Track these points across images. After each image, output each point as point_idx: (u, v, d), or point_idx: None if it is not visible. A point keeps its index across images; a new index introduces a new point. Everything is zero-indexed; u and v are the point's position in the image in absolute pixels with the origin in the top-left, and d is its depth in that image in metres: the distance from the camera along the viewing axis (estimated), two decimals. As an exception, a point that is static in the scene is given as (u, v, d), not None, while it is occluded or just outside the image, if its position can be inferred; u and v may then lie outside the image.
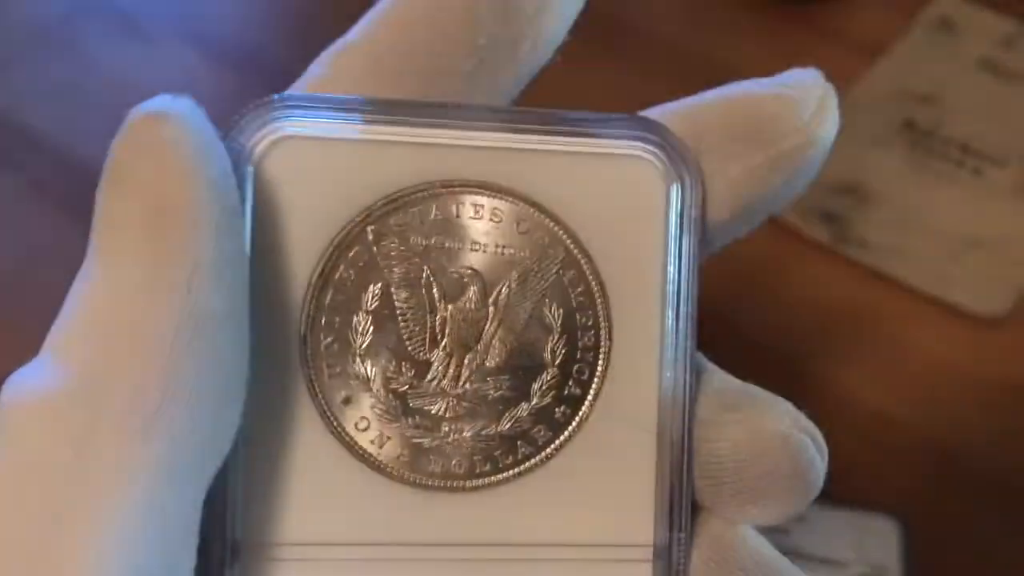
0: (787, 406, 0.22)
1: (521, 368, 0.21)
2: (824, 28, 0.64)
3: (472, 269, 0.21)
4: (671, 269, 0.22)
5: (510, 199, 0.21)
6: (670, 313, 0.22)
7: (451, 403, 0.21)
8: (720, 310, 0.53)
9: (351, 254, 0.21)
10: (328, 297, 0.21)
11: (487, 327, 0.21)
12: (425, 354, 0.21)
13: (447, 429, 0.21)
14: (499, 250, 0.21)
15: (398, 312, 0.21)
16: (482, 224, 0.21)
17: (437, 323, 0.21)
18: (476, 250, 0.21)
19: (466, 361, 0.21)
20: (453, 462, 0.21)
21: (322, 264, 0.21)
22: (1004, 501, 0.49)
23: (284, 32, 0.66)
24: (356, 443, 0.21)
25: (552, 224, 0.21)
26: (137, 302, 0.18)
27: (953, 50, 0.63)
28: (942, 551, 0.47)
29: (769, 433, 0.21)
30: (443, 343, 0.21)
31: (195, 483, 0.18)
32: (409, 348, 0.21)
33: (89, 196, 0.19)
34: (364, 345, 0.21)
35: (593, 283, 0.22)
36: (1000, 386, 0.52)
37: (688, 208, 0.21)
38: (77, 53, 0.63)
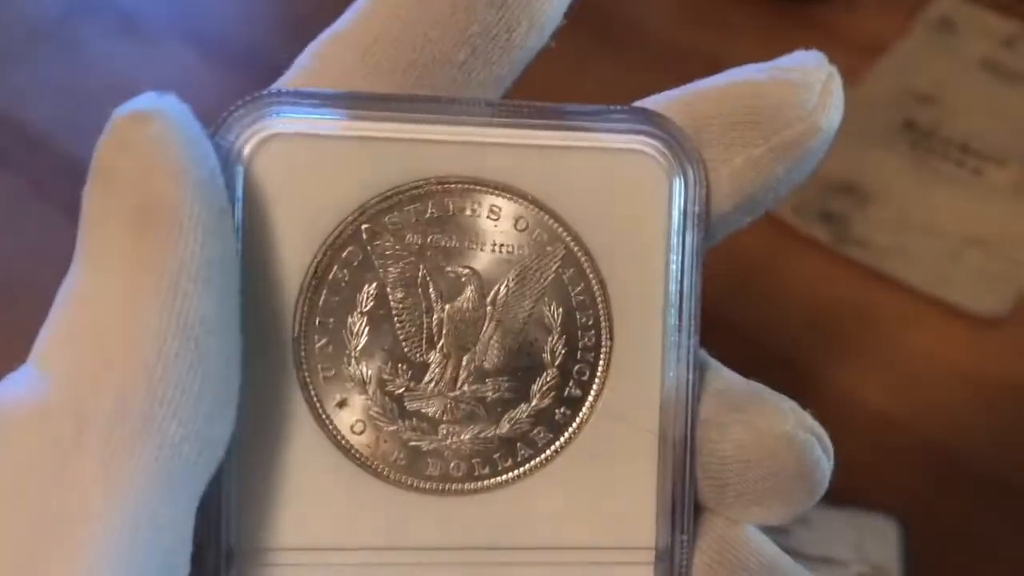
0: (792, 405, 0.21)
1: (520, 369, 0.21)
2: (824, 28, 0.64)
3: (469, 268, 0.21)
4: (673, 266, 0.21)
5: (508, 196, 0.21)
6: (672, 311, 0.21)
7: (449, 405, 0.21)
8: (719, 309, 0.52)
9: (345, 254, 0.20)
10: (322, 298, 0.20)
11: (485, 327, 0.21)
12: (422, 355, 0.21)
13: (445, 432, 0.21)
14: (497, 248, 0.21)
15: (394, 313, 0.21)
16: (479, 222, 0.21)
17: (434, 324, 0.21)
18: (473, 248, 0.21)
19: (464, 362, 0.21)
20: (451, 465, 0.21)
21: (315, 264, 0.20)
22: (1004, 501, 0.49)
23: (283, 31, 0.66)
24: (352, 446, 0.21)
25: (551, 221, 0.21)
26: (122, 310, 0.17)
27: (953, 50, 0.63)
28: (942, 551, 0.47)
29: (774, 433, 0.21)
30: (440, 344, 0.21)
31: (188, 491, 0.18)
32: (405, 349, 0.21)
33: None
34: (359, 347, 0.20)
35: (593, 281, 0.21)
36: (1000, 386, 0.52)
37: (691, 203, 0.21)
38: (77, 53, 0.63)
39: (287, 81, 0.21)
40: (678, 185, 0.21)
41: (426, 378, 0.21)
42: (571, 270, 0.21)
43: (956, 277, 0.55)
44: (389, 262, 0.21)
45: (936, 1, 0.65)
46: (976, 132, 0.60)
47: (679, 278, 0.21)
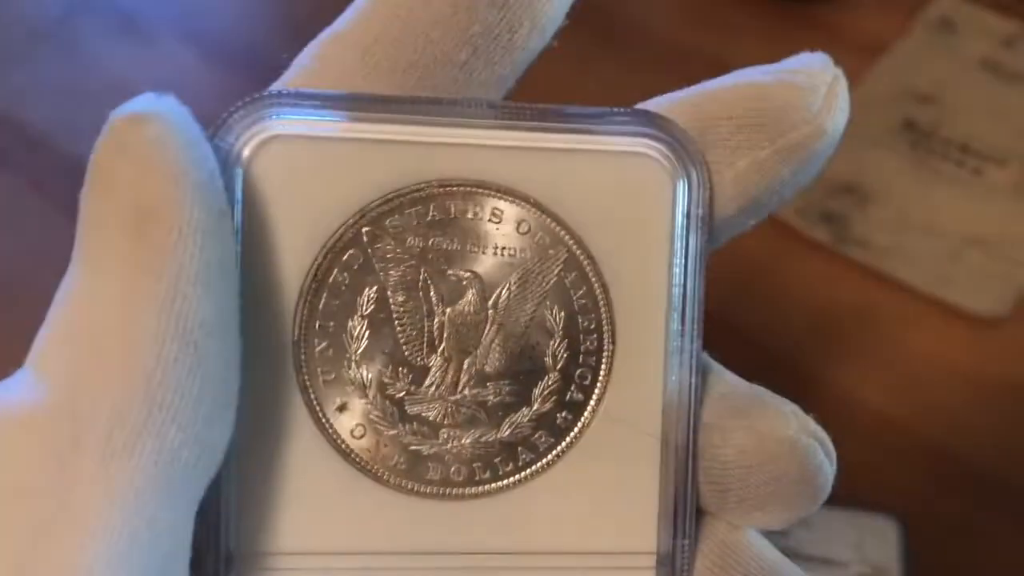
0: (795, 409, 0.21)
1: (522, 373, 0.21)
2: (824, 28, 0.64)
3: (471, 271, 0.21)
4: (676, 270, 0.21)
5: (510, 199, 0.21)
6: (675, 315, 0.21)
7: (450, 409, 0.21)
8: (720, 310, 0.52)
9: (345, 257, 0.20)
10: (322, 301, 0.20)
11: (486, 331, 0.21)
12: (423, 359, 0.21)
13: (446, 436, 0.21)
14: (499, 251, 0.21)
15: (394, 316, 0.20)
16: (481, 225, 0.21)
17: (435, 327, 0.21)
18: (475, 252, 0.21)
19: (465, 366, 0.21)
20: (452, 469, 0.21)
21: (315, 267, 0.20)
22: (1004, 501, 0.49)
23: (283, 32, 0.65)
24: (352, 451, 0.20)
25: (553, 224, 0.21)
26: (120, 314, 0.17)
27: (953, 50, 0.63)
28: (942, 551, 0.47)
29: (776, 438, 0.20)
30: (441, 348, 0.21)
31: (186, 496, 0.18)
32: (406, 353, 0.20)
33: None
34: (360, 350, 0.20)
35: (596, 285, 0.21)
36: (1000, 386, 0.52)
37: (694, 206, 0.21)
38: (76, 53, 0.63)
39: (287, 81, 0.21)
40: (681, 188, 0.21)
41: (427, 382, 0.21)
42: (573, 274, 0.21)
43: (956, 277, 0.55)
44: (390, 265, 0.20)
45: (936, 1, 0.65)
46: (976, 132, 0.60)
47: (682, 282, 0.21)
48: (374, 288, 0.20)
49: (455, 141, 0.20)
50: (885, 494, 0.48)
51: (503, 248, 0.21)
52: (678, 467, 0.21)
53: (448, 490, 0.21)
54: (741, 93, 0.21)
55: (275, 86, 0.20)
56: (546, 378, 0.21)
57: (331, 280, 0.20)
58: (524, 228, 0.21)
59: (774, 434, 0.20)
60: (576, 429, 0.21)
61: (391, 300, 0.20)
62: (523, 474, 0.21)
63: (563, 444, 0.21)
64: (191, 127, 0.18)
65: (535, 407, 0.21)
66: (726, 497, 0.21)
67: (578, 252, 0.21)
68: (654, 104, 0.21)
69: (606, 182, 0.21)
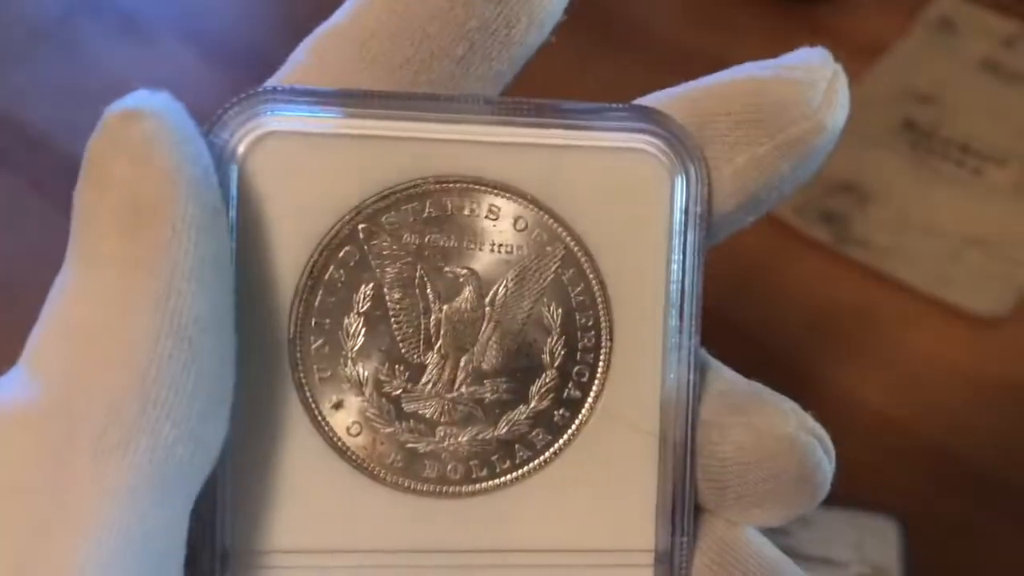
0: (793, 406, 0.21)
1: (519, 370, 0.21)
2: (824, 28, 0.64)
3: (467, 268, 0.21)
4: (675, 267, 0.21)
5: (507, 195, 0.21)
6: (673, 312, 0.21)
7: (446, 407, 0.21)
8: (720, 309, 0.52)
9: (341, 254, 0.20)
10: (318, 298, 0.20)
11: (483, 328, 0.21)
12: (419, 357, 0.21)
13: (442, 433, 0.21)
14: (496, 248, 0.21)
15: (391, 313, 0.20)
16: (478, 222, 0.21)
17: (431, 324, 0.21)
18: (471, 248, 0.21)
19: (462, 363, 0.21)
20: (449, 467, 0.21)
21: (311, 264, 0.20)
22: (1004, 501, 0.49)
23: (283, 31, 0.65)
24: (348, 448, 0.20)
25: (551, 221, 0.21)
26: (114, 311, 0.17)
27: (953, 50, 0.63)
28: (942, 551, 0.47)
29: (775, 435, 0.20)
30: (438, 345, 0.21)
31: (181, 494, 0.18)
32: (402, 350, 0.20)
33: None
34: (356, 348, 0.20)
35: (593, 282, 0.21)
36: (1000, 386, 0.52)
37: (693, 202, 0.21)
38: (76, 53, 0.63)
39: (282, 77, 0.21)
40: (680, 184, 0.21)
41: (423, 379, 0.21)
42: (571, 270, 0.21)
43: (956, 277, 0.55)
44: (386, 262, 0.20)
45: (936, 1, 0.65)
46: (976, 132, 0.60)
47: (680, 278, 0.21)
48: (370, 285, 0.20)
49: (451, 137, 0.20)
50: (885, 494, 0.48)
51: (500, 245, 0.21)
52: (676, 464, 0.21)
53: (445, 488, 0.21)
54: (739, 88, 0.20)
55: (270, 82, 0.20)
56: (543, 375, 0.21)
57: (327, 277, 0.20)
58: (521, 225, 0.21)
59: (773, 431, 0.20)
60: (574, 426, 0.21)
61: (387, 297, 0.20)
62: (520, 472, 0.21)
63: (560, 441, 0.21)
64: (186, 123, 0.18)
65: (532, 405, 0.21)
66: (724, 494, 0.21)
67: (575, 249, 0.21)
68: (652, 100, 0.21)
69: (604, 178, 0.21)
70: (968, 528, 0.48)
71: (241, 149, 0.20)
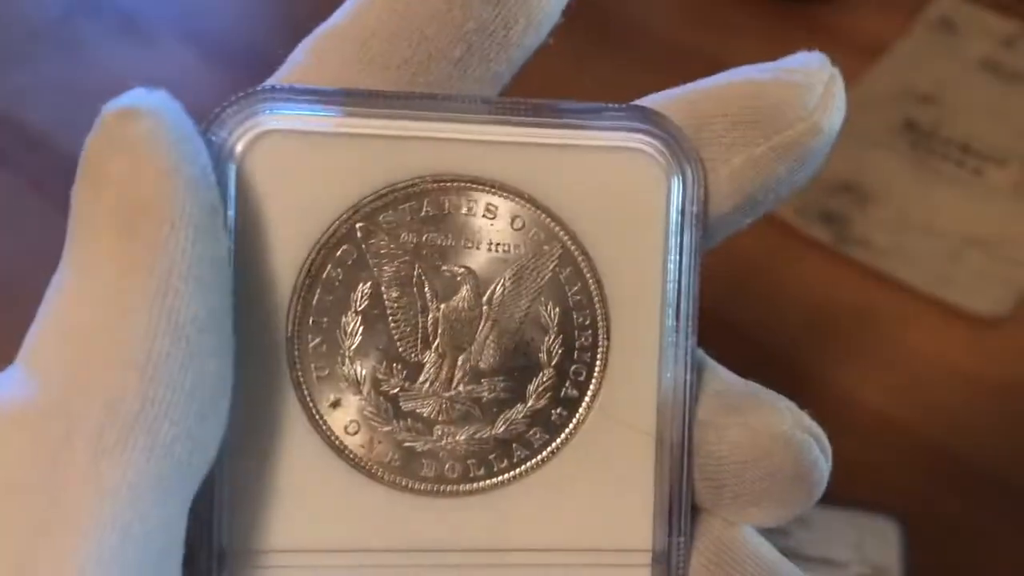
0: (789, 405, 0.21)
1: (516, 369, 0.21)
2: (824, 28, 0.64)
3: (465, 267, 0.21)
4: (671, 266, 0.21)
5: (504, 194, 0.21)
6: (670, 311, 0.21)
7: (444, 405, 0.21)
8: (720, 309, 0.52)
9: (339, 252, 0.20)
10: (315, 297, 0.20)
11: (481, 327, 0.21)
12: (417, 355, 0.21)
13: (440, 432, 0.21)
14: (493, 247, 0.21)
15: (388, 312, 0.20)
16: (475, 221, 0.21)
17: (429, 323, 0.21)
18: (469, 248, 0.21)
19: (459, 362, 0.21)
20: (446, 466, 0.21)
21: (309, 263, 0.20)
22: (1004, 501, 0.49)
23: (283, 31, 0.65)
24: (345, 447, 0.20)
25: (548, 220, 0.21)
26: (112, 309, 0.17)
27: (954, 50, 0.63)
28: (942, 551, 0.47)
29: (771, 434, 0.20)
30: (435, 344, 0.21)
31: (179, 493, 0.18)
32: (400, 349, 0.20)
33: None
34: (353, 346, 0.20)
35: (591, 281, 0.21)
36: (1000, 386, 0.52)
37: (689, 202, 0.21)
38: (76, 53, 0.63)
39: (281, 77, 0.21)
40: (676, 184, 0.21)
41: (421, 378, 0.21)
42: (568, 269, 0.21)
43: (956, 277, 0.55)
44: (384, 261, 0.20)
45: (936, 1, 0.65)
46: (976, 132, 0.60)
47: (677, 278, 0.21)
48: (368, 284, 0.20)
49: (449, 136, 0.20)
50: (885, 494, 0.48)
51: (497, 244, 0.21)
52: (673, 464, 0.21)
53: (442, 487, 0.21)
54: (737, 90, 0.21)
55: (269, 82, 0.20)
56: (541, 374, 0.21)
57: (324, 276, 0.20)
58: (518, 224, 0.21)
59: (769, 430, 0.20)
60: (571, 426, 0.21)
61: (385, 296, 0.20)
62: (518, 471, 0.21)
63: (558, 441, 0.21)
64: (183, 122, 0.18)
65: (530, 403, 0.21)
66: (721, 493, 0.21)
67: (573, 248, 0.21)
68: (649, 101, 0.21)
69: (601, 178, 0.21)
70: (968, 528, 0.48)
71: (239, 148, 0.20)
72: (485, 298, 0.21)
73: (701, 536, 0.21)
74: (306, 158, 0.20)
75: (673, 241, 0.21)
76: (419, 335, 0.21)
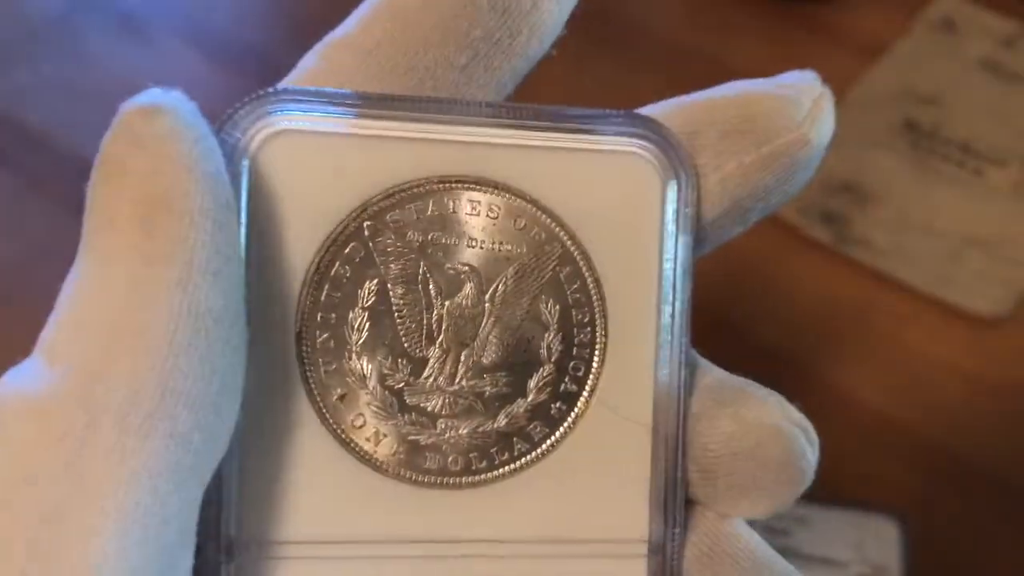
0: (778, 398, 0.22)
1: (517, 364, 0.21)
2: (824, 28, 0.64)
3: (469, 265, 0.21)
4: (667, 265, 0.22)
5: (507, 195, 0.21)
6: (666, 309, 0.22)
7: (447, 400, 0.21)
8: (720, 310, 0.53)
9: (347, 250, 0.21)
10: (324, 293, 0.20)
11: (484, 324, 0.21)
12: (421, 351, 0.21)
13: (443, 426, 0.21)
14: (496, 246, 0.21)
15: (394, 309, 0.21)
16: (479, 220, 0.21)
17: (433, 320, 0.21)
18: (472, 246, 0.21)
19: (462, 358, 0.21)
20: (449, 459, 0.21)
21: (318, 260, 0.20)
22: (1004, 501, 0.49)
23: (285, 31, 0.66)
24: (352, 440, 0.21)
25: (549, 221, 0.21)
26: (133, 300, 0.17)
27: (954, 50, 0.63)
28: (942, 551, 0.47)
29: (760, 425, 0.21)
30: (439, 340, 0.21)
31: (194, 482, 0.18)
32: (405, 345, 0.21)
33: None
34: (360, 342, 0.21)
35: (589, 280, 0.22)
36: (1000, 386, 0.52)
37: (684, 205, 0.21)
38: (77, 52, 0.63)
39: (292, 81, 0.21)
40: (671, 187, 0.21)
41: (425, 373, 0.21)
42: (568, 268, 0.21)
43: (956, 277, 0.55)
44: (390, 259, 0.21)
45: (936, 1, 0.65)
46: (977, 132, 0.60)
47: (672, 277, 0.22)
48: (375, 281, 0.21)
49: (455, 139, 0.21)
50: (885, 494, 0.48)
51: (500, 243, 0.21)
52: (668, 456, 0.22)
53: (445, 479, 0.21)
54: (730, 102, 0.22)
55: (280, 85, 0.21)
56: (541, 370, 0.21)
57: (333, 273, 0.21)
58: (520, 224, 0.21)
59: (759, 421, 0.21)
60: (570, 419, 0.22)
61: (391, 293, 0.21)
62: (518, 464, 0.21)
63: (557, 434, 0.22)
64: (199, 121, 0.18)
65: (530, 398, 0.21)
66: (714, 485, 0.21)
67: (572, 248, 0.21)
68: (648, 109, 0.22)
69: (600, 180, 0.22)
70: (968, 528, 0.48)
71: (252, 147, 0.20)
72: (488, 295, 0.21)
73: (695, 529, 0.22)
74: (316, 158, 0.20)
75: (668, 242, 0.22)
76: (424, 331, 0.21)
